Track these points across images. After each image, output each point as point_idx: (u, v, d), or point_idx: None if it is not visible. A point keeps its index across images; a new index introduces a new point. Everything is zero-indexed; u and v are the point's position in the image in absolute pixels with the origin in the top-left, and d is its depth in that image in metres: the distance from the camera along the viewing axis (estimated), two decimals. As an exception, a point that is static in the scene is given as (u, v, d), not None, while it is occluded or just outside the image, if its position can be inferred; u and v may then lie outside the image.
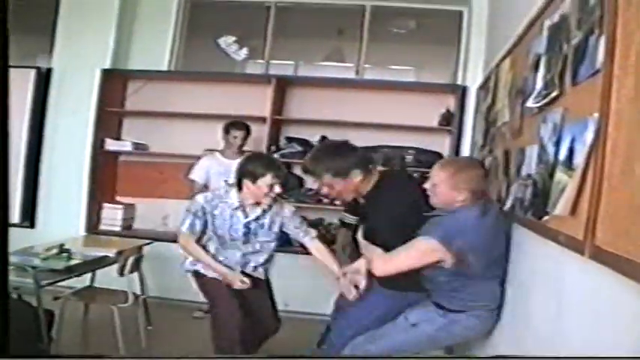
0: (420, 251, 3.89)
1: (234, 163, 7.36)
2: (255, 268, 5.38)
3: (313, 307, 7.23)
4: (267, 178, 4.98)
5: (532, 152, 3.53)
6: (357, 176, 4.51)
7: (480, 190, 4.01)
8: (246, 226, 5.20)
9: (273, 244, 5.42)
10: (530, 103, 3.55)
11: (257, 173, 5.01)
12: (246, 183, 5.08)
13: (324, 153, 4.74)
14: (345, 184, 4.55)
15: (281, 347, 5.58)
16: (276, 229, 5.35)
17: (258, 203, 5.18)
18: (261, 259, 5.39)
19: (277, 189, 5.05)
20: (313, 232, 5.50)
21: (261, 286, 5.46)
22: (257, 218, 5.23)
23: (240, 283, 5.12)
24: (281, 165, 5.27)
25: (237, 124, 7.48)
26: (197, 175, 7.51)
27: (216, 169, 7.45)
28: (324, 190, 4.74)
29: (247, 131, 7.49)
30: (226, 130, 7.48)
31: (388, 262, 4.03)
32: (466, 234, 3.84)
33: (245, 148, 7.53)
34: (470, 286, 3.96)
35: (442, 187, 4.02)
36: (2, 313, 1.67)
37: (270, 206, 5.23)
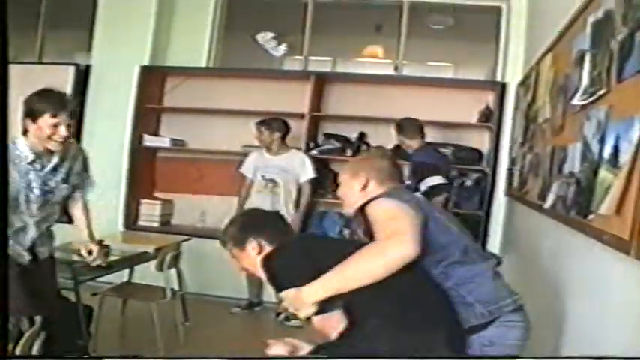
0: None
1: (275, 160, 7.40)
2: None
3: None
4: (46, 117, 4.17)
5: (575, 150, 3.48)
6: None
7: (386, 178, 3.61)
8: (44, 182, 4.42)
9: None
10: (576, 100, 3.50)
11: (35, 110, 4.22)
12: (27, 123, 4.26)
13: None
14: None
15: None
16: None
17: (50, 151, 4.35)
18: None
19: (63, 130, 4.22)
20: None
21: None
22: (54, 169, 4.46)
23: None
24: (66, 100, 4.34)
25: (262, 122, 7.52)
26: (245, 169, 7.63)
27: (258, 164, 7.52)
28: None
29: (272, 128, 7.48)
30: (256, 128, 7.52)
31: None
32: None
33: (291, 144, 7.59)
34: None
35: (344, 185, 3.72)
36: (2, 313, 1.66)
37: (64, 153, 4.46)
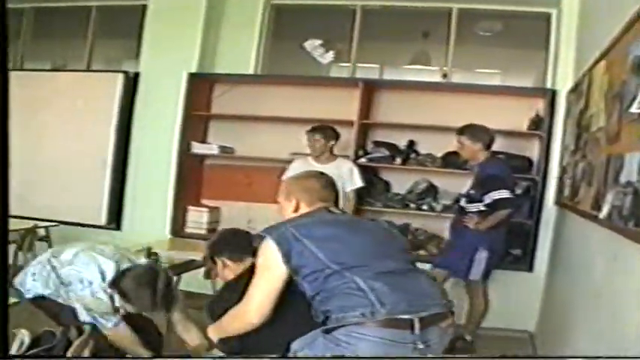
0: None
1: (322, 168, 7.34)
2: None
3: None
4: None
5: (632, 159, 3.41)
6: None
7: (315, 199, 3.94)
8: None
9: None
10: (634, 108, 3.42)
11: None
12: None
13: None
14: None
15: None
16: None
17: None
18: None
19: None
20: None
21: None
22: None
23: None
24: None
25: (314, 129, 7.47)
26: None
27: None
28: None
29: (328, 135, 7.42)
30: (309, 135, 7.46)
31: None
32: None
33: (335, 152, 7.53)
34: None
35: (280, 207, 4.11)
36: (2, 313, 1.64)
37: None
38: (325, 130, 7.40)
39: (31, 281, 4.66)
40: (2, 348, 1.63)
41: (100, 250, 4.58)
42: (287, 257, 3.50)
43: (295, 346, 3.62)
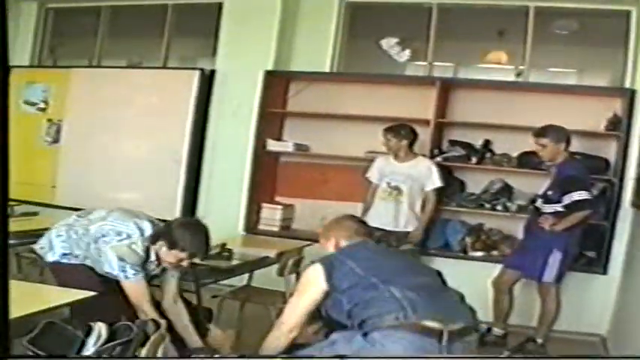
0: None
1: (402, 167, 7.34)
2: None
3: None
4: (181, 254, 4.54)
5: None
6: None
7: (353, 234, 4.33)
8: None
9: None
10: None
11: (175, 243, 4.54)
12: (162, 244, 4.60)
13: None
14: None
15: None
16: None
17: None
18: None
19: (185, 264, 4.65)
20: None
21: None
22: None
23: None
24: (207, 248, 4.75)
25: (390, 129, 7.44)
26: (372, 174, 7.59)
27: (384, 170, 7.49)
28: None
29: (400, 135, 7.38)
30: (383, 134, 7.45)
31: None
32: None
33: (416, 151, 7.53)
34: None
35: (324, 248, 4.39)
36: (2, 313, 1.66)
37: None
38: (398, 130, 7.39)
39: (59, 242, 4.88)
40: (2, 348, 1.66)
41: (132, 211, 4.84)
42: (329, 275, 3.87)
43: (335, 336, 3.82)
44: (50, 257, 4.87)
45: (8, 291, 1.73)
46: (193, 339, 4.66)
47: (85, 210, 5.07)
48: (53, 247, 4.87)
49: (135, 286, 4.54)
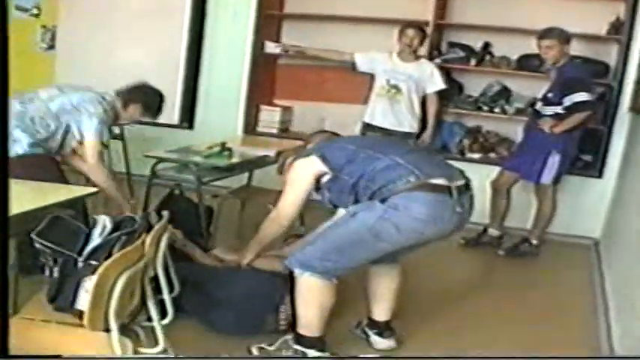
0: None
1: (405, 66, 7.31)
2: None
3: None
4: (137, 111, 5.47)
5: None
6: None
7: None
8: None
9: None
10: None
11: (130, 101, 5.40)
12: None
13: None
14: None
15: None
16: None
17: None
18: None
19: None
20: None
21: None
22: None
23: None
24: (161, 107, 5.60)
25: (412, 25, 7.38)
26: (361, 58, 7.59)
27: (385, 66, 7.46)
28: None
29: (423, 33, 7.38)
30: (401, 31, 7.39)
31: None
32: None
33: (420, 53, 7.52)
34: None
35: None
36: (2, 313, 1.68)
37: None
38: (419, 27, 7.40)
39: (20, 132, 4.85)
40: (2, 348, 1.69)
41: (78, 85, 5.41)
42: (324, 158, 4.00)
43: (352, 208, 3.94)
44: (20, 150, 4.79)
45: (8, 288, 1.74)
46: None
47: (19, 97, 5.04)
48: (19, 140, 4.81)
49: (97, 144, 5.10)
